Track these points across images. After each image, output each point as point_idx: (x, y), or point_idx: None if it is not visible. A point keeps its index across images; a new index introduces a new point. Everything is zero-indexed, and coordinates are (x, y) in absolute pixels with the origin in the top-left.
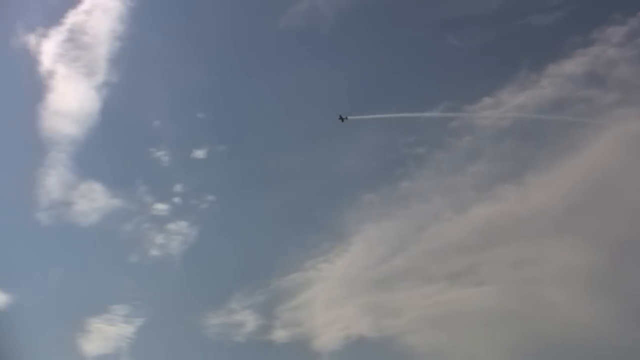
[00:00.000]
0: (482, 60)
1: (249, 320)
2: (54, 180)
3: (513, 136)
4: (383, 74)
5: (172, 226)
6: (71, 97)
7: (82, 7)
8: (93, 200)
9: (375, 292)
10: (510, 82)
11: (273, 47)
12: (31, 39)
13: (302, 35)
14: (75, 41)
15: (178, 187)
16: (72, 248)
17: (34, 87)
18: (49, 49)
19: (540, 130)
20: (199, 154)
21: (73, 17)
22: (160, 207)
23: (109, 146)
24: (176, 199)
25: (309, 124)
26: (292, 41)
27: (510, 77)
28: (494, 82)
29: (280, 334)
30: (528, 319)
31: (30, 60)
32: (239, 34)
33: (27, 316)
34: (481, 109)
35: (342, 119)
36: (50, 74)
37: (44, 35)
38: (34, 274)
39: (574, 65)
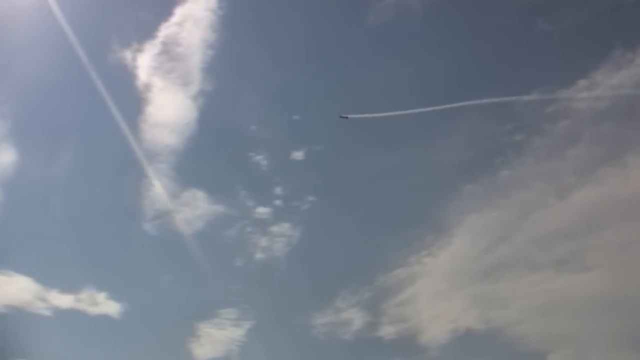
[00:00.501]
0: (574, 42)
1: (356, 318)
2: (157, 190)
3: (611, 117)
4: (474, 63)
5: (275, 229)
6: (169, 108)
7: (174, 20)
8: (196, 208)
9: (481, 283)
10: (604, 63)
11: (362, 44)
12: (127, 55)
13: (391, 30)
14: (169, 53)
15: (278, 190)
16: (179, 256)
17: (134, 101)
18: (144, 63)
19: (638, 110)
20: (297, 155)
21: (165, 30)
22: (262, 211)
23: (209, 154)
24: (277, 202)
25: (404, 118)
26: (381, 37)
27: (605, 58)
28: (588, 64)
29: (387, 330)
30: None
31: (127, 75)
32: (327, 33)
33: (140, 324)
34: (576, 92)
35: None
36: (147, 87)
37: (139, 50)
38: (144, 283)
39: None
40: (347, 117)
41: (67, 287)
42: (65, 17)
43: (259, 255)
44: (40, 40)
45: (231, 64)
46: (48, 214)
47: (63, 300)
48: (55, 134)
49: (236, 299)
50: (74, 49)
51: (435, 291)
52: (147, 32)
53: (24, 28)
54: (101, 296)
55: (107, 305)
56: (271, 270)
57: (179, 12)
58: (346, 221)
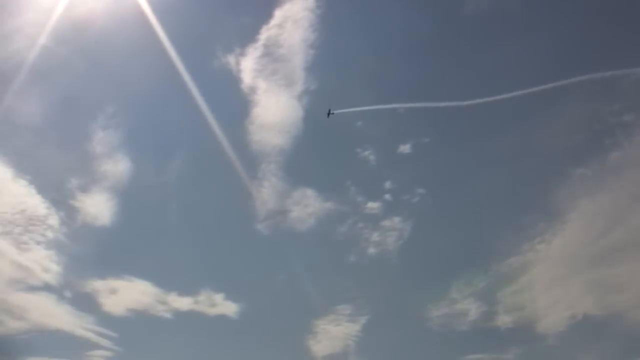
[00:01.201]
0: None
1: (471, 309)
2: (268, 191)
3: None
4: (575, 40)
5: (386, 223)
6: (274, 109)
7: (274, 22)
8: (307, 206)
9: (597, 268)
10: None
11: (463, 34)
12: (231, 60)
13: (491, 18)
14: (271, 55)
15: (388, 184)
16: (292, 254)
17: (240, 104)
18: (247, 66)
19: None
20: (404, 148)
21: (266, 33)
22: (373, 206)
23: (316, 152)
24: (387, 196)
25: (510, 104)
26: (479, 23)
27: None
28: None
29: (503, 320)
30: None
31: (232, 79)
32: (426, 25)
33: (257, 323)
34: None
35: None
36: (252, 90)
37: (242, 54)
38: (259, 283)
39: None
40: (333, 113)
41: (185, 290)
42: (167, 29)
43: (371, 250)
44: (142, 52)
45: (333, 61)
46: (163, 220)
47: (182, 302)
48: (165, 142)
49: (351, 295)
50: (178, 58)
51: (550, 278)
52: (248, 36)
53: (125, 41)
54: (218, 297)
55: (224, 306)
56: (384, 264)
57: (278, 14)
58: (457, 211)
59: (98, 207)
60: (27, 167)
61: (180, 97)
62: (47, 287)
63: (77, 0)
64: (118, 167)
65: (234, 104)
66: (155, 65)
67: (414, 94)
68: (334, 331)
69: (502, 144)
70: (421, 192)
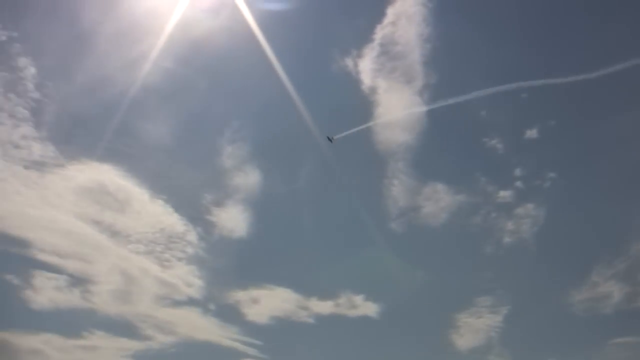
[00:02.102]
0: None
1: (614, 291)
2: (398, 189)
3: None
4: None
5: (519, 211)
6: (396, 107)
7: (387, 20)
8: (438, 201)
9: None
10: None
11: (579, 8)
12: (349, 62)
13: None
14: (388, 54)
15: (517, 171)
16: (428, 250)
17: (362, 105)
18: (366, 67)
19: None
20: (531, 133)
21: (381, 32)
22: (504, 195)
23: (442, 145)
24: (518, 183)
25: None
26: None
27: None
28: None
29: None
30: None
31: (352, 82)
32: (534, 6)
33: (400, 321)
34: None
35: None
36: (373, 90)
37: (359, 56)
38: (398, 281)
39: None
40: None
41: (325, 294)
42: (279, 39)
43: (506, 240)
44: (257, 65)
45: (449, 52)
46: (297, 227)
47: (323, 306)
48: (291, 151)
49: (490, 286)
50: (296, 67)
51: None
52: (363, 37)
53: (240, 57)
54: (358, 299)
55: (365, 307)
56: (521, 253)
57: (390, 12)
58: (591, 193)
59: (233, 220)
60: (162, 187)
61: (303, 103)
62: (191, 301)
63: (192, 23)
64: (249, 179)
65: (357, 105)
66: (271, 76)
67: (534, 74)
68: (476, 324)
69: (632, 119)
70: (552, 176)
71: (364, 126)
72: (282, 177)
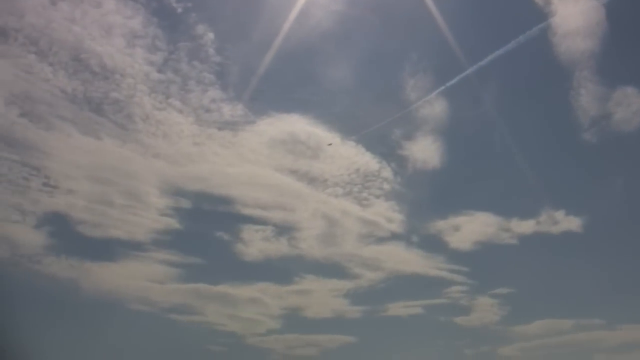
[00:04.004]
0: None
1: None
2: (586, 98)
3: None
4: None
5: None
6: (574, 15)
7: None
8: (630, 105)
9: None
10: None
11: None
12: None
13: None
14: None
15: None
16: (625, 157)
17: (536, 18)
18: None
19: None
20: None
21: None
22: None
23: (627, 47)
24: None
25: None
26: None
27: None
28: None
29: None
30: None
31: None
32: None
33: (605, 234)
34: None
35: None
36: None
37: None
38: (597, 193)
39: None
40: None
41: (526, 213)
42: None
43: None
44: None
45: None
46: (489, 150)
47: (524, 226)
48: (478, 71)
49: None
50: None
51: None
52: None
53: None
54: (559, 214)
55: (567, 222)
56: None
57: None
58: None
59: (425, 151)
60: (351, 128)
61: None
62: (394, 236)
63: None
64: (434, 108)
65: (530, 19)
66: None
67: None
68: None
69: None
70: None
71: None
72: (469, 102)
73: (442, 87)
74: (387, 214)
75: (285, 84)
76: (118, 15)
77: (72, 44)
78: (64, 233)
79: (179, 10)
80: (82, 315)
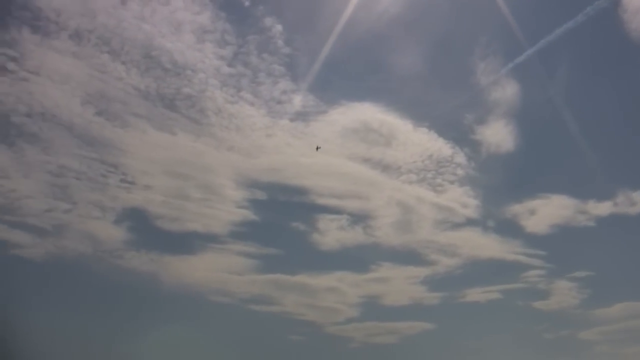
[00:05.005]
0: None
1: None
2: None
3: None
4: None
5: None
6: None
7: None
8: None
9: None
10: None
11: None
12: None
13: None
14: None
15: None
16: None
17: None
18: None
19: None
20: None
21: None
22: None
23: None
24: None
25: None
26: None
27: None
28: None
29: None
30: None
31: None
32: None
33: None
34: None
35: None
36: None
37: None
38: None
39: None
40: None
41: (602, 195)
42: None
43: None
44: None
45: None
46: (562, 132)
47: (601, 208)
48: (546, 56)
49: None
50: None
51: None
52: None
53: None
54: (637, 195)
55: None
56: None
57: None
58: None
59: (498, 135)
60: (422, 114)
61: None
62: (470, 222)
63: None
64: (506, 91)
65: None
66: None
67: None
68: None
69: None
70: None
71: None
72: (539, 84)
73: (511, 65)
74: (461, 200)
75: (356, 72)
76: (186, 11)
77: (143, 42)
78: (143, 228)
79: (247, 3)
80: (163, 307)
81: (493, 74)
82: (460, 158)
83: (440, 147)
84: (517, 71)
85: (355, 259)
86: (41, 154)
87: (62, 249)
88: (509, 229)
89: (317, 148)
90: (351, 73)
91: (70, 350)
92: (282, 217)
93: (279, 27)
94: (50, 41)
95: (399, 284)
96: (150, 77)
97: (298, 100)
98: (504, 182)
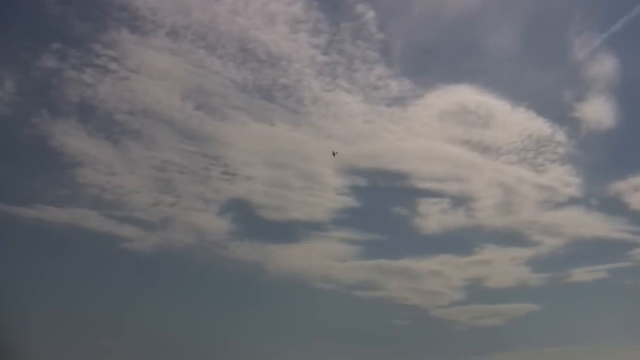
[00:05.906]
0: None
1: None
2: None
3: None
4: None
5: None
6: None
7: None
8: None
9: None
10: None
11: None
12: None
13: None
14: None
15: None
16: None
17: None
18: None
19: None
20: None
21: None
22: None
23: None
24: None
25: None
26: None
27: None
28: None
29: None
30: None
31: None
32: None
33: None
34: None
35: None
36: None
37: None
38: None
39: None
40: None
41: None
42: None
43: None
44: None
45: None
46: None
47: None
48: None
49: None
50: None
51: None
52: None
53: None
54: None
55: None
56: None
57: None
58: None
59: (598, 111)
60: (520, 94)
61: None
62: (572, 200)
63: None
64: (604, 66)
65: None
66: None
67: None
68: None
69: None
70: None
71: None
72: (636, 57)
73: (607, 35)
74: (563, 179)
75: (450, 55)
76: (279, 2)
77: (237, 35)
78: (246, 218)
79: None
80: (270, 296)
81: (590, 49)
82: (561, 136)
83: (539, 126)
84: (614, 44)
85: (458, 241)
86: (145, 150)
87: (169, 241)
88: (613, 206)
89: (333, 154)
90: (446, 55)
91: (182, 337)
92: (383, 203)
93: (371, 14)
94: (148, 39)
95: (502, 266)
96: (247, 69)
97: (394, 86)
98: (606, 159)
